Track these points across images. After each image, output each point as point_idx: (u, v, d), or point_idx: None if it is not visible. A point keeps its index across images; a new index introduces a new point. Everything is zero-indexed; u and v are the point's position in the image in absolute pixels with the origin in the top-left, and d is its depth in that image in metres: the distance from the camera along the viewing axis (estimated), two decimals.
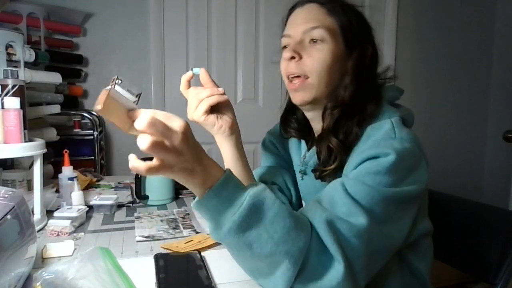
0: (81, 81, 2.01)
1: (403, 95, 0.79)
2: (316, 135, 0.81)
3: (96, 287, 0.59)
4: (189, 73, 0.77)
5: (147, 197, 1.11)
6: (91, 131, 1.87)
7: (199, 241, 0.80)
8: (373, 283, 0.62)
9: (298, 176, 0.87)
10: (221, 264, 0.70)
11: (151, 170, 0.46)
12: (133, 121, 0.45)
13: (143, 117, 0.44)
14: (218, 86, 0.76)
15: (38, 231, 0.85)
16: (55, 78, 1.39)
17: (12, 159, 1.18)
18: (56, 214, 0.89)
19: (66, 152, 1.07)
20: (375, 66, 0.77)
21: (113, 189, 1.26)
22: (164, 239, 0.84)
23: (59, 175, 1.05)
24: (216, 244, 0.78)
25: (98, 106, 0.43)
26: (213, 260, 0.72)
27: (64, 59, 1.91)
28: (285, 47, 0.76)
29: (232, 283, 0.64)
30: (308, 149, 0.83)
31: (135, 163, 0.45)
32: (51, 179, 1.39)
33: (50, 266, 0.63)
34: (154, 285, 0.61)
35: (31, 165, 1.00)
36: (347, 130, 0.71)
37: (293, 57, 0.72)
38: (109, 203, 1.02)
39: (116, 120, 0.45)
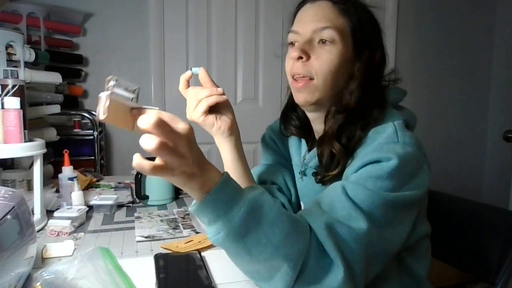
0: (81, 81, 2.01)
1: None
2: (316, 136, 0.80)
3: (96, 287, 0.59)
4: (188, 73, 0.76)
5: (147, 197, 1.11)
6: (91, 131, 1.87)
7: (199, 241, 0.80)
8: (371, 286, 0.62)
9: (297, 176, 0.86)
10: (221, 264, 0.70)
11: (155, 170, 0.45)
12: (137, 119, 0.43)
13: (149, 117, 0.42)
14: (217, 86, 0.74)
15: (38, 231, 0.85)
16: (55, 78, 1.39)
17: (12, 159, 1.18)
18: (56, 214, 0.89)
19: (66, 152, 1.07)
20: (383, 69, 0.75)
21: (113, 189, 1.26)
22: (164, 239, 0.84)
23: (59, 175, 1.05)
24: None
25: (102, 116, 0.42)
26: (213, 260, 0.72)
27: (64, 59, 1.91)
28: (291, 43, 0.74)
29: (232, 283, 0.64)
30: (309, 150, 0.83)
31: (140, 161, 0.44)
32: (51, 179, 1.39)
33: (50, 266, 0.63)
34: (154, 285, 0.61)
35: (31, 165, 1.00)
36: (350, 134, 0.70)
37: (300, 57, 0.70)
38: (109, 203, 1.02)
39: (120, 123, 0.44)
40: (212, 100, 0.72)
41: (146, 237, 0.84)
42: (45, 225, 0.88)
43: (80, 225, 0.92)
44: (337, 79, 0.71)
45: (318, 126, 0.78)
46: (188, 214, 1.01)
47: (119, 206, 1.08)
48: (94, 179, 1.35)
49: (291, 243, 0.53)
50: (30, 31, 1.74)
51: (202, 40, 2.18)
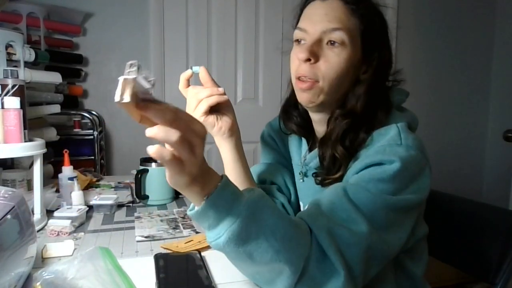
0: (81, 81, 2.02)
1: None
2: (318, 135, 0.79)
3: (96, 287, 0.59)
4: (188, 72, 0.74)
5: (147, 197, 1.11)
6: (91, 131, 1.87)
7: (199, 241, 0.80)
8: (368, 286, 0.61)
9: (298, 177, 0.85)
10: (221, 264, 0.70)
11: (173, 160, 0.43)
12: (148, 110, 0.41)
13: (171, 110, 0.42)
14: (218, 86, 0.73)
15: (38, 231, 0.85)
16: (55, 78, 1.39)
17: (12, 159, 1.18)
18: (56, 214, 0.89)
19: (66, 152, 1.07)
20: (389, 71, 0.74)
21: (113, 189, 1.26)
22: (164, 239, 0.84)
23: (59, 175, 1.05)
24: None
25: (124, 100, 0.39)
26: (213, 260, 0.72)
27: (64, 59, 1.91)
28: (297, 40, 0.71)
29: (232, 283, 0.64)
30: (309, 150, 0.82)
31: (161, 148, 0.43)
32: (51, 179, 1.39)
33: (50, 266, 0.63)
34: (154, 285, 0.61)
35: (31, 165, 1.00)
36: (354, 137, 0.69)
37: (308, 59, 0.67)
38: (109, 203, 1.02)
39: (133, 110, 0.42)
40: (213, 100, 0.71)
41: (146, 237, 0.84)
42: (45, 225, 0.88)
43: (80, 225, 0.92)
44: (343, 82, 0.69)
45: (320, 126, 0.77)
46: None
47: (119, 206, 1.08)
48: (94, 179, 1.35)
49: (292, 247, 0.52)
50: (30, 31, 1.74)
51: (202, 40, 2.18)
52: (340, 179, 0.69)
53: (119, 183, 1.35)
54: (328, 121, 0.73)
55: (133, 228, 0.91)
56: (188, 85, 0.75)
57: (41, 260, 0.70)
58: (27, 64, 1.24)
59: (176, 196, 1.19)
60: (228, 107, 0.74)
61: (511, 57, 2.51)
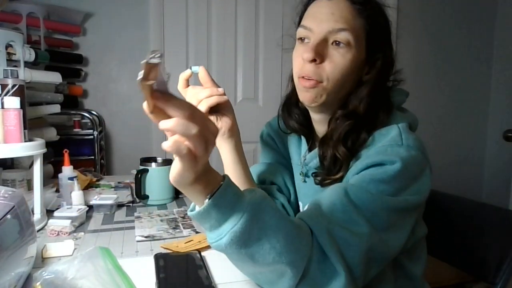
0: (81, 81, 2.02)
1: None
2: (318, 135, 0.79)
3: (96, 287, 0.59)
4: (188, 72, 0.74)
5: (147, 197, 1.11)
6: (91, 130, 1.87)
7: (199, 241, 0.80)
8: (366, 287, 0.61)
9: (298, 177, 0.85)
10: (221, 264, 0.70)
11: (189, 154, 0.43)
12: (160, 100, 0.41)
13: (189, 105, 0.42)
14: (218, 86, 0.73)
15: (38, 231, 0.85)
16: (55, 77, 1.39)
17: (12, 159, 1.18)
18: (56, 213, 0.89)
19: (66, 152, 1.07)
20: (391, 72, 0.74)
21: (113, 189, 1.26)
22: (164, 239, 0.84)
23: (59, 175, 1.05)
24: None
25: (149, 82, 0.39)
26: (213, 260, 0.72)
27: (64, 59, 1.91)
28: (301, 39, 0.70)
29: (232, 283, 0.64)
30: (309, 149, 0.81)
31: (178, 140, 0.42)
32: (51, 178, 1.39)
33: (50, 266, 0.63)
34: (154, 285, 0.61)
35: (31, 165, 1.00)
36: (356, 138, 0.68)
37: (314, 60, 0.66)
38: (109, 202, 1.02)
39: (149, 98, 0.41)
40: (213, 100, 0.71)
41: (146, 237, 0.84)
42: (45, 224, 0.88)
43: (80, 224, 0.92)
44: (346, 83, 0.69)
45: (320, 126, 0.77)
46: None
47: (119, 205, 1.08)
48: (94, 179, 1.35)
49: (294, 249, 0.52)
50: (30, 31, 1.74)
51: (202, 40, 2.18)
52: (340, 179, 0.69)
53: (119, 183, 1.35)
54: (329, 121, 0.72)
55: (133, 228, 0.91)
56: (188, 85, 0.75)
57: (41, 260, 0.70)
58: (27, 64, 1.24)
59: (176, 196, 1.19)
60: (228, 107, 0.74)
61: (511, 57, 2.51)
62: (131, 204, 1.11)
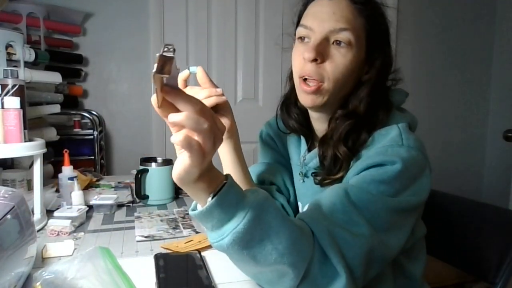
0: (81, 81, 2.02)
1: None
2: (318, 134, 0.79)
3: (96, 287, 0.59)
4: (186, 72, 0.73)
5: (147, 197, 1.11)
6: (91, 130, 1.87)
7: (199, 241, 0.80)
8: (366, 287, 0.61)
9: (297, 177, 0.85)
10: (221, 264, 0.70)
11: (199, 148, 0.43)
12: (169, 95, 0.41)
13: (199, 101, 0.42)
14: (216, 86, 0.72)
15: (38, 231, 0.85)
16: (55, 77, 1.39)
17: (12, 159, 1.18)
18: (56, 214, 0.89)
19: (66, 152, 1.07)
20: (389, 72, 0.74)
21: (113, 189, 1.26)
22: (164, 239, 0.84)
23: (59, 175, 1.05)
24: None
25: (163, 75, 0.38)
26: (213, 260, 0.72)
27: (64, 59, 1.91)
28: (301, 38, 0.70)
29: (232, 283, 0.64)
30: (309, 149, 0.81)
31: (189, 137, 0.42)
32: (51, 179, 1.40)
33: (50, 266, 0.63)
34: (154, 285, 0.61)
35: (31, 165, 1.00)
36: (356, 137, 0.68)
37: (315, 59, 0.65)
38: (109, 202, 1.02)
39: (159, 92, 0.41)
40: (212, 101, 0.70)
41: (146, 237, 0.84)
42: (45, 225, 0.88)
43: (80, 225, 0.92)
44: (347, 83, 0.69)
45: (320, 125, 0.77)
46: (188, 214, 1.01)
47: (119, 205, 1.08)
48: (94, 179, 1.35)
49: (296, 250, 0.52)
50: (30, 31, 1.75)
51: (202, 40, 2.19)
52: (340, 179, 0.69)
53: (119, 183, 1.35)
54: (329, 121, 0.72)
55: (133, 228, 0.91)
56: (186, 86, 0.75)
57: (41, 260, 0.70)
58: (27, 64, 1.24)
59: (176, 196, 1.19)
60: (226, 108, 0.73)
61: (511, 57, 2.51)
62: (131, 204, 1.11)
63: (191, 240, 0.80)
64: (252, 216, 0.49)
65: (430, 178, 0.65)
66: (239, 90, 2.28)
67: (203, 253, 0.74)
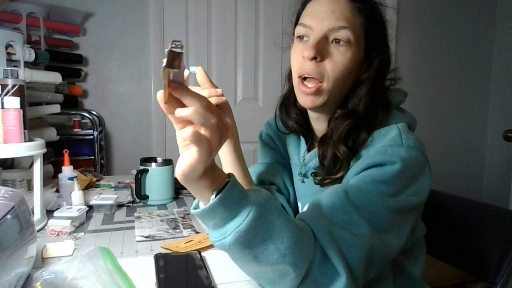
0: (81, 81, 2.02)
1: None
2: (317, 134, 0.79)
3: (96, 287, 0.59)
4: (186, 72, 0.72)
5: (147, 197, 1.11)
6: (91, 130, 1.87)
7: (199, 241, 0.80)
8: (366, 287, 0.61)
9: (297, 177, 0.85)
10: (221, 264, 0.70)
11: (207, 144, 0.43)
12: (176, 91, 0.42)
13: (205, 97, 0.43)
14: (216, 87, 0.72)
15: (38, 231, 0.85)
16: (55, 77, 1.39)
17: (12, 159, 1.18)
18: (56, 214, 0.89)
19: (66, 152, 1.07)
20: (388, 71, 0.74)
21: (113, 189, 1.26)
22: (164, 239, 0.84)
23: (59, 175, 1.05)
24: None
25: (172, 69, 0.39)
26: (213, 260, 0.72)
27: (64, 59, 1.91)
28: (300, 37, 0.70)
29: (232, 283, 0.64)
30: (308, 149, 0.81)
31: (198, 132, 0.42)
32: (51, 179, 1.39)
33: (50, 266, 0.63)
34: (154, 285, 0.61)
35: (31, 165, 1.00)
36: (356, 137, 0.68)
37: (314, 58, 0.65)
38: (109, 203, 1.02)
39: (166, 87, 0.41)
40: (212, 101, 0.71)
41: (146, 237, 0.84)
42: (45, 225, 0.88)
43: (80, 225, 0.92)
44: (346, 82, 0.69)
45: (319, 124, 0.77)
46: (188, 214, 1.01)
47: (119, 206, 1.08)
48: (94, 179, 1.35)
49: (298, 250, 0.52)
50: (30, 31, 1.74)
51: (202, 40, 2.18)
52: (340, 179, 0.69)
53: (119, 183, 1.35)
54: (329, 120, 0.72)
55: (133, 228, 0.91)
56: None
57: (41, 260, 0.70)
58: (27, 64, 1.24)
59: (176, 196, 1.19)
60: (226, 108, 0.73)
61: (511, 57, 2.51)
62: (131, 204, 1.11)
63: (191, 240, 0.80)
64: (255, 216, 0.49)
65: (430, 178, 0.65)
66: (239, 90, 2.28)
67: (203, 253, 0.74)
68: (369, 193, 0.59)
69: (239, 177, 0.77)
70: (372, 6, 0.70)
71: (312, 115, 0.77)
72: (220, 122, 0.44)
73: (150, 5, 2.08)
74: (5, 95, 0.83)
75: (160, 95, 0.43)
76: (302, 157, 0.82)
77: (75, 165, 1.12)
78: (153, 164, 1.12)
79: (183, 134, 0.42)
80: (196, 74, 0.73)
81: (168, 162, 1.15)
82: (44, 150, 0.88)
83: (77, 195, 1.00)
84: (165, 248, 0.77)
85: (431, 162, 0.67)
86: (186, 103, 0.42)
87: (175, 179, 1.14)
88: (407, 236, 0.64)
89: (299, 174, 0.83)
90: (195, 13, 2.16)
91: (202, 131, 0.43)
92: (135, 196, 1.13)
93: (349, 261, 0.55)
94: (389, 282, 0.71)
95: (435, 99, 2.57)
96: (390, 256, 0.62)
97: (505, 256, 0.84)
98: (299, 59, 0.68)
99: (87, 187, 1.24)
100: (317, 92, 0.68)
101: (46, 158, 1.41)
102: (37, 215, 0.88)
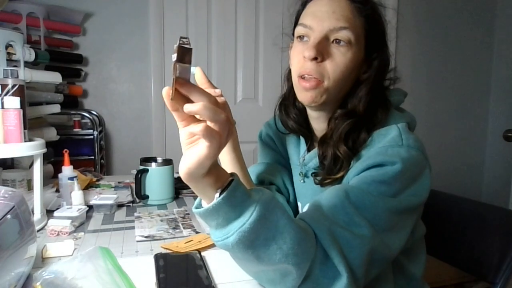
0: (81, 81, 2.02)
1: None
2: (317, 134, 0.79)
3: (96, 287, 0.59)
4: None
5: (147, 197, 1.11)
6: (91, 130, 1.87)
7: (199, 241, 0.80)
8: (366, 287, 0.61)
9: (297, 177, 0.85)
10: (221, 264, 0.70)
11: (218, 140, 0.43)
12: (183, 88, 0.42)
13: (208, 92, 0.43)
14: (214, 87, 0.72)
15: (38, 231, 0.85)
16: (55, 77, 1.39)
17: (12, 158, 1.18)
18: (56, 213, 0.89)
19: (66, 151, 1.07)
20: (387, 71, 0.74)
21: (113, 189, 1.26)
22: (164, 239, 0.84)
23: (59, 175, 1.05)
24: None
25: (182, 64, 0.39)
26: (213, 260, 0.72)
27: (64, 59, 1.91)
28: (300, 37, 0.70)
29: (232, 283, 0.64)
30: (308, 150, 0.81)
31: (210, 127, 0.42)
32: (51, 178, 1.40)
33: (50, 266, 0.63)
34: (154, 285, 0.61)
35: (31, 164, 1.00)
36: (356, 137, 0.68)
37: (315, 58, 0.65)
38: (109, 202, 1.02)
39: (174, 80, 0.41)
40: None
41: (146, 237, 0.84)
42: (45, 225, 0.88)
43: (80, 224, 0.92)
44: (346, 82, 0.69)
45: (319, 124, 0.77)
46: (188, 214, 1.01)
47: (119, 205, 1.08)
48: (94, 179, 1.35)
49: (301, 251, 0.52)
50: (30, 30, 1.74)
51: (202, 40, 2.18)
52: (341, 179, 0.69)
53: (119, 183, 1.35)
54: (329, 120, 0.72)
55: (133, 228, 0.91)
56: None
57: (41, 260, 0.70)
58: (27, 64, 1.24)
59: (176, 196, 1.19)
60: (225, 108, 0.72)
61: (511, 57, 2.51)
62: (131, 204, 1.11)
63: (191, 240, 0.80)
64: (258, 215, 0.49)
65: (430, 178, 0.65)
66: (239, 90, 2.28)
67: (203, 253, 0.74)
68: (370, 193, 0.59)
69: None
70: (372, 7, 0.70)
71: (312, 114, 0.77)
72: (228, 117, 0.44)
73: (150, 5, 2.08)
74: (5, 95, 0.83)
75: (166, 91, 0.43)
76: (302, 157, 0.82)
77: (75, 165, 1.12)
78: (153, 164, 1.13)
79: (194, 130, 0.42)
80: (194, 75, 0.73)
81: (168, 162, 1.15)
82: (44, 150, 0.88)
83: (77, 195, 1.00)
84: (165, 248, 0.77)
85: (431, 162, 0.67)
86: (194, 99, 0.42)
87: (175, 179, 1.15)
88: (408, 236, 0.64)
89: (299, 174, 0.83)
90: (195, 13, 2.16)
91: (212, 126, 0.43)
92: (135, 196, 1.13)
93: (350, 261, 0.55)
94: (389, 282, 0.71)
95: (435, 99, 2.57)
96: (391, 256, 0.62)
97: (505, 256, 0.84)
98: (300, 59, 0.68)
99: (87, 187, 1.24)
100: (317, 86, 0.67)
101: (46, 158, 1.41)
102: (37, 215, 0.88)
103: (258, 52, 2.27)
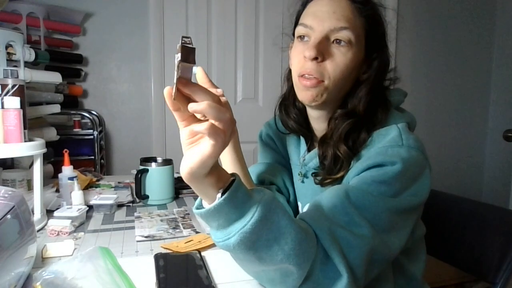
0: (81, 81, 2.02)
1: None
2: (316, 134, 0.79)
3: (96, 287, 0.59)
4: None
5: (147, 197, 1.11)
6: (91, 130, 1.87)
7: (199, 241, 0.80)
8: (366, 287, 0.61)
9: (297, 177, 0.85)
10: (221, 264, 0.70)
11: (224, 138, 0.44)
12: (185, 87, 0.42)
13: (211, 92, 0.44)
14: (216, 87, 0.72)
15: (38, 231, 0.85)
16: (55, 77, 1.39)
17: (12, 158, 1.18)
18: (56, 213, 0.89)
19: (66, 151, 1.07)
20: (387, 71, 0.74)
21: (113, 189, 1.26)
22: (164, 239, 0.84)
23: (59, 175, 1.05)
24: None
25: (191, 61, 0.39)
26: (213, 260, 0.72)
27: (64, 59, 1.91)
28: (300, 37, 0.70)
29: (232, 283, 0.64)
30: (308, 150, 0.81)
31: (215, 126, 0.43)
32: (51, 178, 1.40)
33: (50, 266, 0.63)
34: (154, 285, 0.61)
35: (31, 164, 1.00)
36: (356, 137, 0.69)
37: (315, 58, 0.65)
38: (109, 202, 1.02)
39: (176, 80, 0.41)
40: None
41: (146, 237, 0.84)
42: (45, 224, 0.88)
43: (80, 224, 0.92)
44: (346, 83, 0.69)
45: (319, 124, 0.77)
46: (188, 214, 1.01)
47: (119, 205, 1.08)
48: (94, 179, 1.35)
49: (302, 251, 0.52)
50: (30, 31, 1.74)
51: (202, 40, 2.18)
52: (341, 179, 0.69)
53: (119, 182, 1.35)
54: (329, 120, 0.72)
55: (133, 228, 0.91)
56: None
57: (41, 260, 0.70)
58: (27, 64, 1.24)
59: (176, 195, 1.19)
60: (226, 109, 0.73)
61: (511, 57, 2.51)
62: (131, 204, 1.11)
63: (191, 240, 0.80)
64: (260, 217, 0.49)
65: (430, 178, 0.65)
66: (239, 90, 2.28)
67: (203, 253, 0.74)
68: (370, 193, 0.59)
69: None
70: (373, 7, 0.70)
71: (312, 114, 0.77)
72: (232, 116, 0.45)
73: (150, 5, 2.08)
74: (5, 95, 0.83)
75: (167, 91, 0.43)
76: (302, 157, 0.82)
77: (75, 165, 1.12)
78: (153, 164, 1.13)
79: (199, 128, 0.42)
80: (196, 74, 0.73)
81: (168, 162, 1.15)
82: (44, 150, 0.88)
83: (77, 195, 1.00)
84: (165, 248, 0.77)
85: (431, 162, 0.67)
86: (197, 99, 0.42)
87: (175, 179, 1.15)
88: (408, 236, 0.64)
89: (299, 174, 0.83)
90: (195, 13, 2.16)
91: (217, 125, 0.43)
92: (135, 196, 1.13)
93: (350, 261, 0.55)
94: (389, 282, 0.71)
95: (435, 99, 2.57)
96: (391, 256, 0.62)
97: (505, 256, 0.84)
98: (300, 59, 0.68)
99: (87, 187, 1.24)
100: (317, 84, 0.67)
101: (46, 158, 1.41)
102: (37, 215, 0.89)
103: (258, 52, 2.27)
